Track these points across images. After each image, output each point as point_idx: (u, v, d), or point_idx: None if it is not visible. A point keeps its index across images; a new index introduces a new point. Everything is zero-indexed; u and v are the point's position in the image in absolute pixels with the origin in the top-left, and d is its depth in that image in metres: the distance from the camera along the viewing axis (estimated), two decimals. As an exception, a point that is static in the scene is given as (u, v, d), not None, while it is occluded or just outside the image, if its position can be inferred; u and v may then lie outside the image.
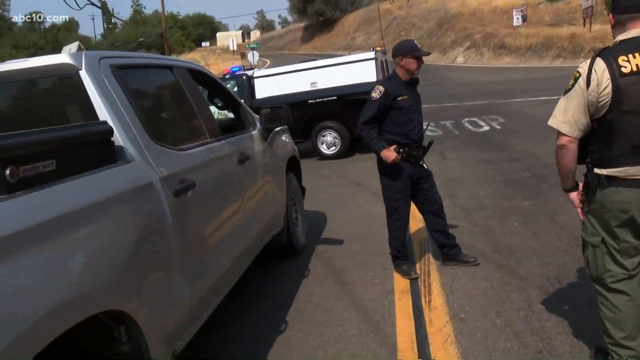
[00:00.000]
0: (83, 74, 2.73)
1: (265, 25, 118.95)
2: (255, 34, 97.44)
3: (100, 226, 2.24)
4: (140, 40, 56.49)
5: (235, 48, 46.07)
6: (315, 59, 12.75)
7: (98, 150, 2.54)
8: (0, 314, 1.64)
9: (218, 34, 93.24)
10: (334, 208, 7.14)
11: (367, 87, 9.37)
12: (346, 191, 8.21)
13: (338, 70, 11.07)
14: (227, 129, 4.38)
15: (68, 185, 2.15)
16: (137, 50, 38.87)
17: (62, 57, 2.79)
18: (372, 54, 11.03)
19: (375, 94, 4.39)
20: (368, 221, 6.27)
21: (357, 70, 10.79)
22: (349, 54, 15.99)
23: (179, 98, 3.78)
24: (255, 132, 4.60)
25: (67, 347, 2.05)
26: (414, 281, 4.47)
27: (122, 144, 2.67)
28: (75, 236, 2.07)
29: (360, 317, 3.99)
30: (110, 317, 2.24)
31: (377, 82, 4.71)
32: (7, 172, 1.89)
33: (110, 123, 2.65)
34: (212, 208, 3.41)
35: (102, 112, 2.69)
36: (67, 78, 2.79)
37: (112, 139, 2.62)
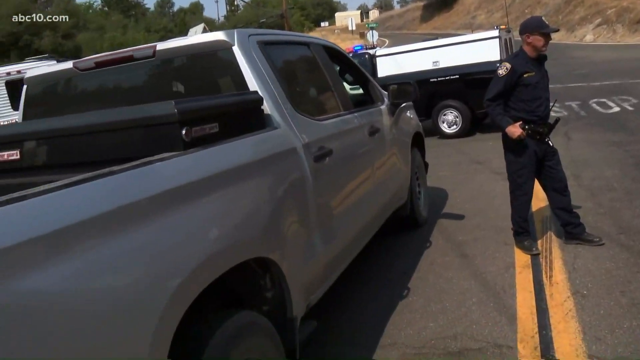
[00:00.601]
0: (235, 49, 3.02)
1: (383, 5, 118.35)
2: (373, 14, 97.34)
3: (252, 183, 2.52)
4: (261, 21, 57.84)
5: (354, 28, 46.30)
6: (437, 38, 12.66)
7: (250, 116, 2.83)
8: (177, 251, 1.91)
9: (337, 14, 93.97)
10: (455, 185, 7.21)
11: (490, 67, 9.25)
12: (467, 169, 8.23)
13: (461, 49, 10.93)
14: (358, 103, 4.60)
15: (229, 146, 2.46)
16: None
17: (217, 35, 3.09)
18: (495, 32, 10.79)
19: (501, 71, 4.45)
20: (489, 198, 6.31)
21: (480, 49, 10.59)
22: (472, 32, 15.70)
23: (316, 72, 4.03)
24: (383, 107, 4.78)
25: (223, 292, 2.37)
26: (535, 257, 4.50)
27: (269, 112, 2.95)
28: (233, 190, 2.35)
29: (480, 288, 4.10)
30: (258, 265, 2.52)
31: (504, 59, 4.74)
32: (183, 132, 2.23)
33: (260, 93, 2.93)
34: (346, 175, 3.64)
35: (252, 83, 2.97)
36: (221, 53, 3.09)
37: (262, 107, 2.90)
